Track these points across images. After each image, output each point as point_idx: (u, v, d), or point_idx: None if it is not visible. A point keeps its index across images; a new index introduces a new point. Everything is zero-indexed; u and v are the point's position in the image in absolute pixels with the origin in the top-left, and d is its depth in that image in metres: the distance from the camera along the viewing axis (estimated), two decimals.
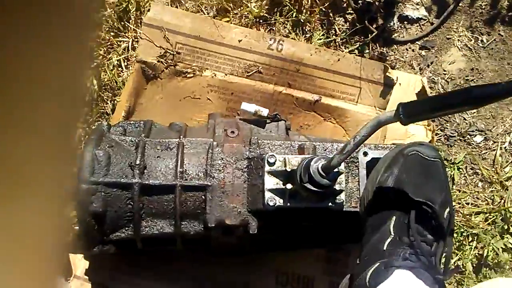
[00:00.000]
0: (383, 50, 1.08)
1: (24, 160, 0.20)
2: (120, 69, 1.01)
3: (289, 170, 0.65)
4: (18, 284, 0.22)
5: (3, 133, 0.18)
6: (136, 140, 0.73)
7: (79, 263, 0.84)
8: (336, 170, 0.60)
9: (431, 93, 1.03)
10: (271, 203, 0.65)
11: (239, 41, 1.02)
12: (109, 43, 1.01)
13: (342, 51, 1.06)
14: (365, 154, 0.72)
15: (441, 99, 0.49)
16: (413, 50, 1.09)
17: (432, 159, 0.65)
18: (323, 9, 1.07)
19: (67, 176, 0.23)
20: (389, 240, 0.62)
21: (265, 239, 0.75)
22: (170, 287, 0.84)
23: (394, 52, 1.09)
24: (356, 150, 0.74)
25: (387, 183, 0.65)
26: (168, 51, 0.98)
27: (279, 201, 0.66)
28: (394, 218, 0.63)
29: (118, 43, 1.02)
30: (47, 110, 0.20)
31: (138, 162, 0.69)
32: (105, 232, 0.68)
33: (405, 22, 1.10)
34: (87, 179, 0.66)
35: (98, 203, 0.66)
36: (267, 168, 0.67)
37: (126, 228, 0.70)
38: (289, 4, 1.05)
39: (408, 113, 0.49)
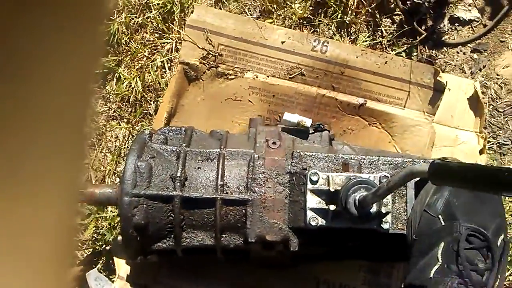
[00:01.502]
0: (432, 53, 1.02)
1: (34, 158, 0.19)
2: (163, 70, 1.01)
3: (332, 190, 0.62)
4: (28, 284, 0.22)
5: (13, 132, 0.18)
6: (177, 150, 0.72)
7: (123, 264, 0.85)
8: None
9: (483, 98, 0.96)
10: (313, 223, 0.63)
11: (282, 42, 0.98)
12: (153, 44, 1.00)
13: (389, 53, 1.01)
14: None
15: (479, 174, 0.42)
16: (464, 53, 1.02)
17: None
18: (370, 10, 1.01)
19: (78, 173, 0.23)
20: (436, 267, 0.58)
21: (305, 254, 0.73)
22: None
23: (444, 55, 1.02)
24: (403, 167, 0.71)
25: (436, 206, 0.61)
26: (211, 52, 0.96)
27: (321, 221, 0.63)
28: (442, 244, 0.59)
29: (162, 44, 1.00)
30: (57, 107, 0.20)
31: (179, 174, 0.68)
32: (147, 243, 0.68)
33: (456, 24, 1.03)
34: (129, 192, 0.66)
35: (140, 215, 0.66)
36: (309, 186, 0.64)
37: (168, 239, 0.69)
38: (334, 5, 1.00)
39: (436, 177, 0.45)
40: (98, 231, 0.92)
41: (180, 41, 0.99)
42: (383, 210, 0.62)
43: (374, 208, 0.60)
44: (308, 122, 0.77)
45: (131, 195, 0.66)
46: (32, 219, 0.21)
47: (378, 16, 1.02)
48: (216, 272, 0.84)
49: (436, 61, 1.02)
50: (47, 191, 0.21)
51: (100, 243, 0.92)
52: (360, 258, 0.77)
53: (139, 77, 0.98)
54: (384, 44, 1.02)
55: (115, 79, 1.00)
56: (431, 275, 0.57)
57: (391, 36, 1.01)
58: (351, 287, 0.85)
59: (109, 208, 0.93)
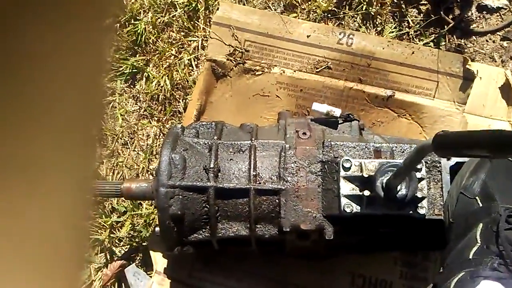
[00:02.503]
0: (460, 42, 1.02)
1: (42, 157, 0.20)
2: (190, 68, 1.03)
3: (366, 176, 0.63)
4: (37, 284, 0.22)
5: (21, 129, 0.18)
6: (209, 143, 0.74)
7: (160, 258, 0.87)
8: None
9: None
10: (347, 210, 0.64)
11: (308, 36, 1.00)
12: (180, 42, 1.03)
13: (416, 44, 1.01)
14: (448, 158, 0.68)
15: (473, 140, 0.44)
16: (493, 42, 1.02)
17: None
18: (395, 1, 1.02)
19: (87, 172, 0.23)
20: (475, 248, 0.59)
21: (340, 243, 0.74)
22: (244, 286, 0.85)
23: (473, 44, 1.02)
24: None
25: (473, 188, 0.61)
26: (237, 49, 0.98)
27: (356, 208, 0.64)
28: (481, 225, 0.59)
29: (189, 42, 1.03)
30: (66, 105, 0.20)
31: (212, 165, 0.70)
32: (183, 234, 0.70)
33: (484, 12, 1.03)
34: (166, 183, 0.68)
35: (176, 206, 0.68)
36: (342, 173, 0.65)
37: (203, 230, 0.71)
38: None
39: (441, 146, 0.46)
40: (134, 228, 0.95)
41: (206, 38, 1.01)
42: (419, 195, 0.62)
43: (403, 191, 0.61)
44: (337, 112, 0.78)
45: (167, 186, 0.68)
46: (42, 218, 0.21)
47: (404, 6, 1.02)
48: (248, 266, 0.85)
49: (465, 50, 1.01)
50: (57, 189, 0.21)
51: (137, 240, 0.94)
52: (395, 248, 0.78)
53: (167, 76, 1.01)
54: (411, 34, 1.02)
55: (144, 79, 1.03)
56: (470, 256, 0.58)
57: (418, 26, 1.02)
58: (387, 282, 0.85)
59: (144, 205, 0.96)
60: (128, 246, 0.94)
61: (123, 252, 0.94)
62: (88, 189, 0.24)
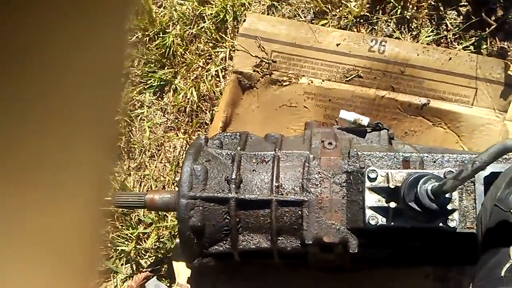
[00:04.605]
0: (503, 44, 0.99)
1: (59, 153, 0.20)
2: (217, 79, 1.05)
3: (392, 187, 0.62)
4: (54, 284, 0.22)
5: (38, 125, 0.18)
6: (232, 154, 0.75)
7: (182, 270, 0.89)
8: (448, 195, 0.56)
9: None
10: (372, 222, 0.63)
11: (337, 45, 1.00)
12: (208, 54, 1.06)
13: (455, 47, 0.99)
14: None
15: None
16: None
17: None
18: (432, 3, 1.00)
19: (106, 168, 0.23)
20: (508, 265, 0.56)
21: (366, 257, 0.72)
22: None
23: None
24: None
25: (509, 200, 0.59)
26: (264, 60, 1.00)
27: (381, 220, 0.63)
28: None
29: (216, 53, 1.06)
30: (84, 100, 0.20)
31: (234, 176, 0.71)
32: (204, 246, 0.72)
33: None
34: (186, 194, 0.70)
35: (197, 217, 0.69)
36: (367, 184, 0.65)
37: (224, 242, 0.72)
38: (392, 1, 1.00)
39: None
40: (160, 239, 0.97)
41: (233, 49, 1.03)
42: (449, 206, 0.61)
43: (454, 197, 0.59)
44: (364, 120, 0.77)
45: (188, 197, 0.69)
46: (56, 212, 0.21)
47: (442, 8, 1.01)
48: (273, 279, 0.85)
49: (509, 53, 0.98)
50: (71, 184, 0.21)
51: (162, 251, 0.97)
52: (425, 262, 0.76)
53: (194, 87, 1.04)
54: (449, 38, 1.00)
55: (171, 91, 1.06)
56: (502, 273, 0.55)
57: (457, 29, 1.00)
58: None
59: (169, 217, 0.98)
60: (154, 258, 0.97)
61: (148, 263, 0.97)
62: (104, 194, 0.24)
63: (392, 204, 0.62)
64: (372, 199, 0.64)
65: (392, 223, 0.63)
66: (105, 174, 0.23)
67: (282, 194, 0.70)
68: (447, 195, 0.57)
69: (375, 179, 0.65)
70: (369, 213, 0.64)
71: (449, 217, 0.62)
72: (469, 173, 0.52)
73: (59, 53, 0.18)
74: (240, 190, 0.71)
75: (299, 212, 0.69)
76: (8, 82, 0.17)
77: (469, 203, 0.65)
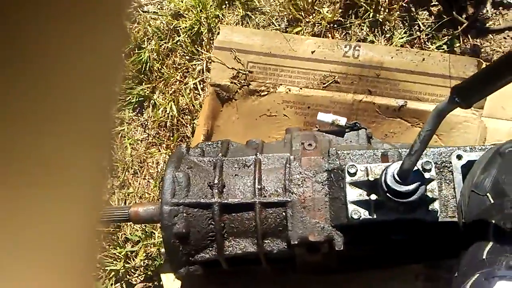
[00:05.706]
0: (476, 42, 1.03)
1: (57, 151, 0.20)
2: (196, 91, 1.08)
3: (372, 179, 0.65)
4: (49, 283, 0.22)
5: (36, 123, 0.19)
6: (214, 160, 0.76)
7: (170, 285, 0.89)
8: (418, 175, 0.59)
9: None
10: (355, 216, 0.65)
11: (312, 52, 1.03)
12: (185, 67, 1.08)
13: (429, 47, 1.03)
14: (459, 157, 0.69)
15: (488, 70, 0.46)
16: None
17: None
18: (404, 4, 1.04)
19: (102, 166, 0.23)
20: (488, 247, 0.58)
21: (353, 257, 0.74)
22: None
23: (490, 43, 1.03)
24: (449, 154, 0.72)
25: (484, 185, 0.61)
26: (241, 71, 1.02)
27: (364, 214, 0.65)
28: (493, 222, 0.59)
29: (193, 66, 1.08)
30: (82, 98, 0.20)
31: (216, 181, 0.73)
32: (190, 253, 0.72)
33: (500, 8, 1.04)
34: (169, 201, 0.71)
35: (181, 224, 0.70)
36: (348, 179, 0.67)
37: (210, 249, 0.73)
38: (364, 5, 1.05)
39: (462, 95, 0.47)
40: (148, 257, 0.98)
41: (210, 61, 1.06)
42: (429, 195, 0.63)
43: (412, 186, 0.61)
44: (342, 120, 0.80)
45: (171, 204, 0.70)
46: (56, 212, 0.21)
47: (413, 9, 1.05)
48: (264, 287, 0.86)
49: (482, 50, 1.02)
50: (71, 184, 0.21)
51: (152, 268, 0.97)
52: (412, 258, 0.77)
53: (173, 101, 1.06)
54: (422, 38, 1.04)
55: (151, 106, 1.08)
56: (484, 256, 0.57)
57: (429, 29, 1.04)
58: None
59: (157, 233, 0.98)
60: (144, 275, 0.97)
61: (139, 281, 0.97)
62: (104, 194, 0.25)
63: (373, 197, 0.64)
64: (353, 194, 0.66)
65: (375, 216, 0.65)
66: (104, 174, 0.24)
67: (265, 196, 0.72)
68: (413, 175, 0.60)
69: (355, 173, 0.67)
70: (351, 207, 0.66)
71: (430, 207, 0.64)
72: (419, 146, 0.54)
73: (60, 53, 0.19)
74: (223, 195, 0.73)
75: (283, 213, 0.71)
76: (8, 82, 0.17)
77: (448, 192, 0.67)
